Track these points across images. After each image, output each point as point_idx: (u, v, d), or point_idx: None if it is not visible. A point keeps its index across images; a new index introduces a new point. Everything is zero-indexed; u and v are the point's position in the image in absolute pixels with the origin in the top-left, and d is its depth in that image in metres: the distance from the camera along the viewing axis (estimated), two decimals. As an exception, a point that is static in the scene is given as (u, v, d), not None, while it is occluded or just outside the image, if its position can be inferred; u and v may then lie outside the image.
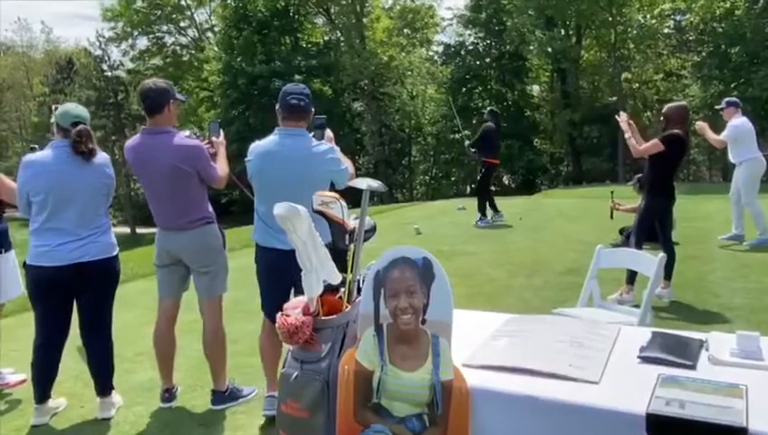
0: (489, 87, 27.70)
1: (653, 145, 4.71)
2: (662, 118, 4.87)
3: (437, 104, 28.54)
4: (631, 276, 4.68)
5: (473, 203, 9.82)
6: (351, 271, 2.12)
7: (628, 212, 6.32)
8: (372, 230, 2.30)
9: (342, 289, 2.11)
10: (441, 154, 28.49)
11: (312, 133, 3.07)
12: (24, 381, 3.68)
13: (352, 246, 2.24)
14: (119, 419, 3.28)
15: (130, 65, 33.41)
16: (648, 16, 25.82)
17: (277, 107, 3.03)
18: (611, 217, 6.38)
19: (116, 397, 3.36)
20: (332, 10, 29.91)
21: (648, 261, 3.13)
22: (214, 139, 3.41)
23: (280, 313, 2.04)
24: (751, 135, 6.61)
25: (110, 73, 30.73)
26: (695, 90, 25.56)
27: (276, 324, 2.02)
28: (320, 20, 30.53)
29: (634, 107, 26.57)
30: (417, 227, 8.61)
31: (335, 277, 2.05)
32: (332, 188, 3.01)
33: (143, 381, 3.76)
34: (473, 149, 9.02)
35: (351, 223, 2.28)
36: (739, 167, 6.68)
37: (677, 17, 27.27)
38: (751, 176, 6.58)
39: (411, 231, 8.50)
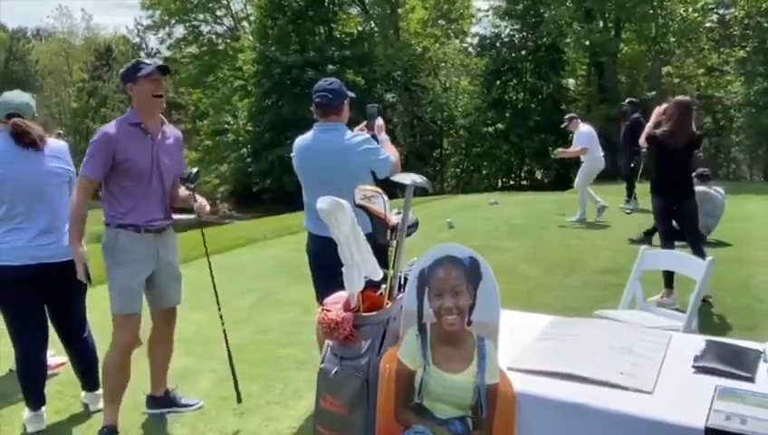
0: (524, 80, 27.27)
1: (642, 142, 4.81)
2: None
3: (471, 96, 28.24)
4: (669, 279, 4.55)
5: (505, 198, 9.74)
6: (393, 267, 2.08)
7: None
8: (414, 226, 2.26)
9: (384, 286, 2.08)
10: (473, 147, 28.19)
11: (365, 122, 3.08)
12: (64, 363, 3.74)
13: (394, 241, 2.21)
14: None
15: (167, 53, 33.85)
16: (690, 9, 25.10)
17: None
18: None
19: (100, 391, 3.26)
20: (367, 0, 29.79)
21: (696, 264, 3.03)
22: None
23: (320, 307, 2.02)
24: (592, 139, 8.70)
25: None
26: (737, 86, 24.80)
27: (316, 319, 2.00)
28: (354, 10, 30.42)
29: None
30: (450, 220, 8.53)
31: (377, 273, 2.02)
32: (375, 179, 3.00)
33: (180, 367, 3.77)
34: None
35: (393, 218, 2.25)
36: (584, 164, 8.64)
37: (721, 11, 26.48)
38: (590, 170, 8.65)
39: (444, 225, 8.43)
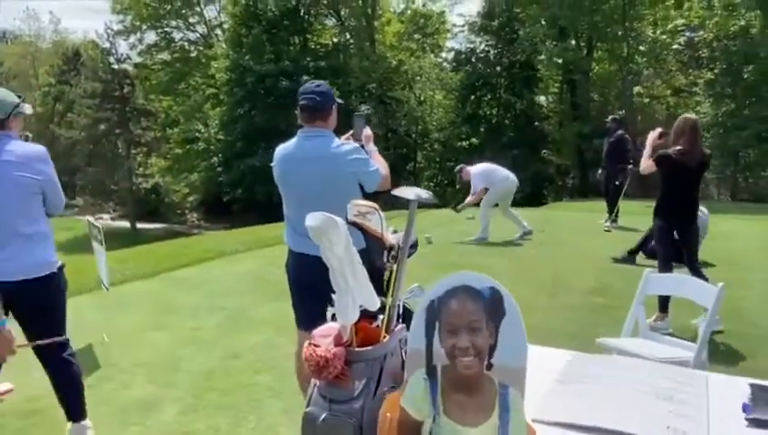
0: (499, 95, 27.38)
1: (650, 164, 4.47)
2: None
3: (445, 110, 28.23)
4: (665, 303, 4.36)
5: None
6: (392, 294, 1.81)
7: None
8: (414, 247, 1.99)
9: (381, 316, 1.81)
10: (447, 161, 28.13)
11: (351, 131, 2.81)
12: (10, 390, 3.37)
13: (390, 264, 1.95)
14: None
15: (138, 59, 33.15)
16: (659, 32, 25.60)
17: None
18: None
19: (88, 423, 2.85)
20: (343, 12, 29.66)
21: (705, 290, 2.82)
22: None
23: (307, 342, 1.74)
24: (487, 174, 8.29)
25: (116, 66, 30.40)
26: (706, 107, 25.29)
27: (303, 355, 1.72)
28: (330, 21, 30.27)
29: (643, 122, 26.25)
30: (429, 236, 8.29)
31: (374, 302, 1.74)
32: (362, 193, 2.74)
33: (140, 397, 3.43)
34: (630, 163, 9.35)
35: (390, 237, 1.98)
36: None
37: (690, 33, 27.00)
38: (500, 195, 8.25)
39: (422, 240, 8.18)
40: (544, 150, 27.48)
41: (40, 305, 2.65)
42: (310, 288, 2.80)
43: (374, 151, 2.92)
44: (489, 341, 1.40)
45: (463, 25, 28.13)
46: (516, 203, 9.30)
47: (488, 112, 27.69)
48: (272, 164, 2.84)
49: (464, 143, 27.03)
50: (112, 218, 30.65)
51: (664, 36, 25.68)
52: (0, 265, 2.55)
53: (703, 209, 6.84)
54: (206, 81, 30.42)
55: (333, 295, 1.78)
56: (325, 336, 1.76)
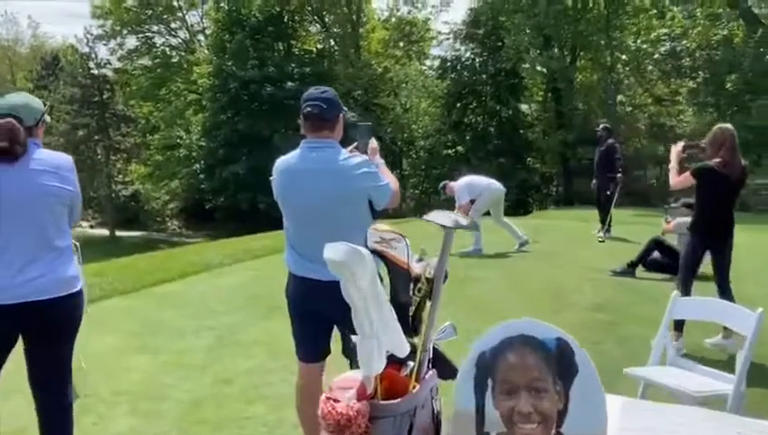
0: (484, 103, 27.33)
1: (684, 178, 4.25)
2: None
3: (431, 118, 28.10)
4: (681, 322, 4.16)
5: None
6: (423, 336, 1.56)
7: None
8: (444, 278, 1.75)
9: (411, 363, 1.55)
10: (433, 169, 27.97)
11: (355, 144, 2.55)
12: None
13: (416, 297, 1.70)
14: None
15: (118, 64, 32.58)
16: (639, 41, 25.76)
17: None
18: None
19: None
20: (327, 19, 29.45)
21: (743, 316, 2.60)
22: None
23: (324, 396, 1.48)
24: (470, 185, 8.08)
25: (96, 72, 29.84)
26: (689, 116, 25.48)
27: (320, 411, 1.46)
28: (314, 28, 30.03)
29: (626, 131, 26.35)
30: (423, 248, 8.02)
31: (403, 348, 1.49)
32: (372, 209, 2.49)
33: (122, 431, 3.13)
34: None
35: (416, 267, 1.73)
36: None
37: (672, 43, 27.19)
38: (487, 204, 8.12)
39: (417, 251, 7.94)
40: (529, 158, 27.47)
41: (68, 324, 2.44)
42: (313, 317, 2.54)
43: (381, 165, 2.67)
44: (557, 405, 1.15)
45: (448, 33, 28.07)
46: (503, 211, 9.08)
47: (474, 120, 27.62)
48: (271, 178, 2.57)
49: (449, 151, 26.91)
50: (91, 226, 30.00)
51: (645, 45, 25.83)
52: (33, 282, 2.30)
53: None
54: (188, 86, 29.98)
55: (354, 338, 1.53)
56: (345, 389, 1.50)
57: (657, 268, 6.66)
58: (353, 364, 1.60)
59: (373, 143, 2.70)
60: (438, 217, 1.62)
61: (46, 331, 2.40)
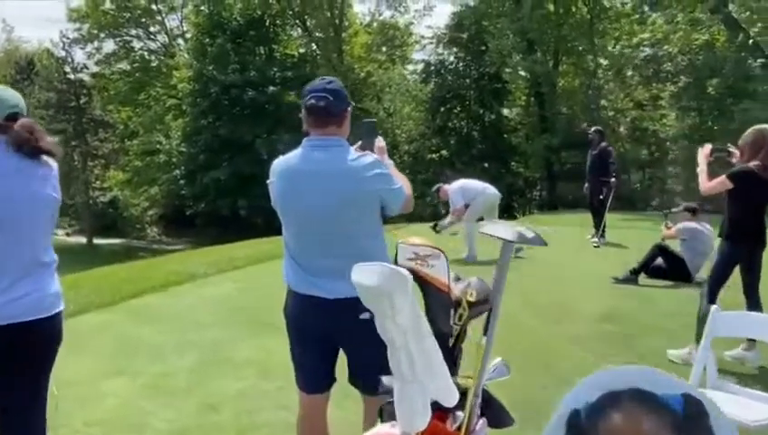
0: (468, 107, 27.21)
1: (719, 182, 4.00)
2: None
3: (415, 122, 27.91)
4: (701, 332, 3.91)
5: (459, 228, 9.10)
6: (477, 378, 1.26)
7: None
8: (485, 302, 1.45)
9: (459, 413, 1.25)
10: (418, 174, 27.76)
11: (359, 143, 2.24)
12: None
13: (457, 325, 1.39)
14: None
15: (95, 69, 31.91)
16: (619, 46, 25.84)
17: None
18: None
19: None
20: (309, 23, 29.15)
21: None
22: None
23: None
24: (465, 189, 7.86)
25: (72, 76, 29.14)
26: (672, 120, 25.61)
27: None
28: (296, 32, 29.69)
29: (609, 135, 26.38)
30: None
31: (452, 396, 1.19)
32: (383, 215, 2.19)
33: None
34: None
35: (456, 288, 1.43)
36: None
37: (654, 48, 27.31)
38: (481, 209, 7.76)
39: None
40: (513, 163, 27.40)
41: (50, 346, 2.12)
42: (319, 341, 2.22)
43: (391, 166, 2.36)
44: (684, 483, 0.85)
45: (432, 37, 27.93)
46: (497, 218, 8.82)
47: (458, 124, 27.51)
48: (268, 181, 2.24)
49: (434, 155, 26.74)
50: (67, 234, 29.27)
51: (627, 50, 25.91)
52: (19, 301, 1.98)
53: (706, 225, 6.49)
54: (168, 91, 29.43)
55: (386, 380, 1.22)
56: (381, 447, 1.19)
57: (660, 275, 6.45)
58: (384, 415, 1.29)
59: (380, 142, 2.40)
60: (500, 229, 1.31)
61: (19, 356, 2.05)
